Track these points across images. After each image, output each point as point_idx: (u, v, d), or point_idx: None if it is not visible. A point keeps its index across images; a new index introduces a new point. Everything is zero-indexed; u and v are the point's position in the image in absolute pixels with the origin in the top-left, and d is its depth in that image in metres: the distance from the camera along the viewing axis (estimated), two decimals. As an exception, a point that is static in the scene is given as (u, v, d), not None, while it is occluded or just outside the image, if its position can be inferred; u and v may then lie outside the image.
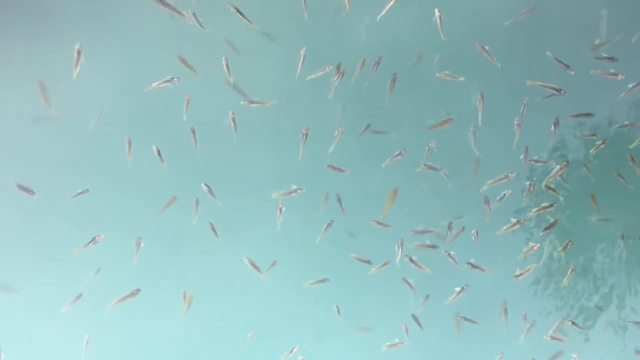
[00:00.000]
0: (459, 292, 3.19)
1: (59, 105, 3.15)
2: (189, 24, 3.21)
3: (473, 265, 3.20)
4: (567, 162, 3.28)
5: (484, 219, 3.26)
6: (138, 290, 3.06)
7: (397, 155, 3.25)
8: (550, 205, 3.28)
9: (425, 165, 3.24)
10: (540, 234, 3.28)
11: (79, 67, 3.08)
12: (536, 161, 3.28)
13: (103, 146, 3.16)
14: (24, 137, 3.13)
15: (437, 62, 3.29)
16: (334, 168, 3.24)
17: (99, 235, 3.05)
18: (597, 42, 3.33)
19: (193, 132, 3.18)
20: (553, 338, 3.20)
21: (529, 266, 3.23)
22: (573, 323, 3.23)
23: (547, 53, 3.28)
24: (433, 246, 3.24)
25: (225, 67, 3.20)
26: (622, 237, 3.30)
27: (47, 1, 3.22)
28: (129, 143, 3.11)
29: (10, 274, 3.07)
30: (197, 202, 3.16)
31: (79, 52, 3.07)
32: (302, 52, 3.23)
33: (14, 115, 3.13)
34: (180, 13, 3.18)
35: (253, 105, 3.22)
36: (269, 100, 3.24)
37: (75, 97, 3.16)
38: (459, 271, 3.24)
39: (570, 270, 3.25)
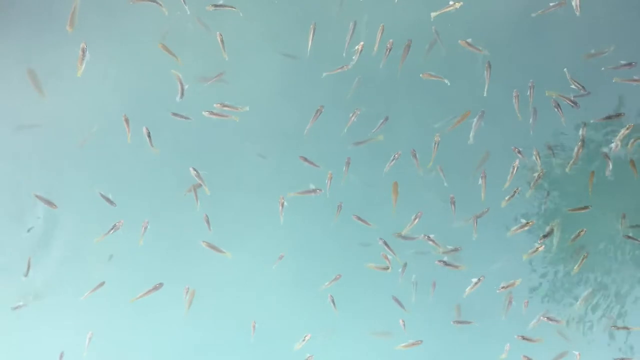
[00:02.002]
0: (476, 283, 3.19)
1: (59, 105, 3.16)
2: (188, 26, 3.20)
3: (446, 263, 3.19)
4: (582, 142, 3.24)
5: (488, 218, 3.25)
6: (161, 284, 3.11)
7: (393, 160, 3.22)
8: (585, 207, 3.25)
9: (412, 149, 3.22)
10: (539, 241, 3.25)
11: (83, 66, 3.09)
12: (519, 152, 3.23)
13: (103, 146, 3.17)
14: (24, 137, 3.15)
15: (434, 32, 3.21)
16: (305, 160, 3.21)
17: (119, 222, 3.11)
18: (592, 51, 3.26)
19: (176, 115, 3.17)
20: (524, 338, 3.20)
21: (514, 280, 3.21)
22: (549, 319, 3.22)
23: (564, 70, 3.22)
24: (455, 249, 3.24)
25: (220, 43, 3.16)
26: (623, 217, 3.28)
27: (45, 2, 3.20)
28: (127, 120, 3.11)
29: (13, 272, 3.13)
30: (194, 189, 3.17)
31: (83, 51, 3.08)
32: (312, 26, 3.18)
33: (14, 116, 3.15)
34: (157, 3, 3.15)
35: (226, 108, 3.19)
36: (242, 106, 3.21)
37: (75, 98, 3.17)
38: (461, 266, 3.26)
39: (582, 258, 3.24)
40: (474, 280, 3.19)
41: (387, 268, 3.21)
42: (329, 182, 3.22)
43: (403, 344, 3.17)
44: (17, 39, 3.17)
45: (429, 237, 3.20)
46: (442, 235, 3.23)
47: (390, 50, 3.20)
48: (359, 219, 3.21)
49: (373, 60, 3.23)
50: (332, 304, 3.20)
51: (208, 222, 3.17)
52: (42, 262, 3.13)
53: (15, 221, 3.13)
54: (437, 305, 3.23)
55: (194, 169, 3.15)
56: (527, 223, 3.23)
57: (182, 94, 3.17)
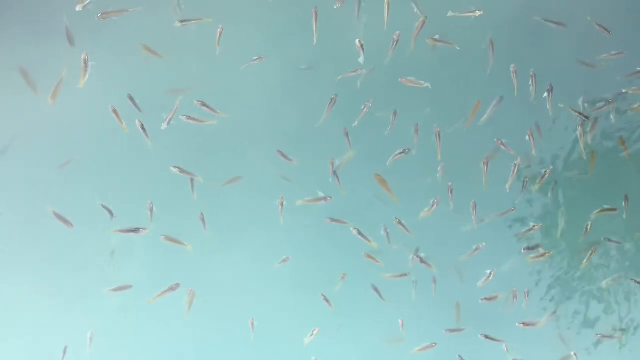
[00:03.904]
0: (489, 275, 3.19)
1: (57, 108, 3.15)
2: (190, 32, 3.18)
3: (422, 260, 3.20)
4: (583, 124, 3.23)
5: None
6: (177, 285, 3.14)
7: (400, 153, 3.21)
8: (613, 209, 3.26)
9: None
10: (522, 251, 3.25)
11: (87, 76, 3.09)
12: (504, 144, 3.22)
13: (102, 146, 3.18)
14: (22, 140, 3.15)
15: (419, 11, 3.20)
16: (282, 155, 3.20)
17: (143, 229, 3.13)
18: (586, 60, 3.25)
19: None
20: (487, 337, 3.19)
21: (495, 294, 3.21)
22: (524, 324, 3.21)
23: (560, 105, 3.21)
24: (478, 248, 3.23)
25: (218, 35, 3.16)
26: (626, 200, 3.27)
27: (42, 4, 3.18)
28: (115, 111, 3.10)
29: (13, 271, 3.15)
30: (192, 181, 3.18)
31: (85, 62, 3.07)
32: (314, 10, 3.15)
33: (12, 119, 3.15)
34: (123, 11, 3.12)
35: (204, 108, 3.17)
36: (221, 112, 3.19)
37: (75, 101, 3.16)
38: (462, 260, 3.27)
39: (590, 252, 3.25)
40: (488, 272, 3.20)
41: (406, 274, 3.22)
42: (331, 167, 3.21)
43: (417, 348, 3.19)
44: (14, 42, 3.16)
45: (400, 221, 3.20)
46: (447, 237, 3.26)
47: (397, 42, 3.17)
48: (333, 220, 3.20)
49: (377, 55, 3.21)
50: (326, 303, 3.19)
51: (204, 220, 3.17)
52: (47, 261, 3.16)
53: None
54: (438, 304, 3.24)
55: (176, 167, 3.14)
56: (534, 226, 3.24)
57: (169, 122, 3.14)
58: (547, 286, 3.30)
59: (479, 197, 3.23)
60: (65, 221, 3.13)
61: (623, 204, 3.28)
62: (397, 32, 3.17)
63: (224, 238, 3.21)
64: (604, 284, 3.28)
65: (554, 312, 3.27)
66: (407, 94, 3.23)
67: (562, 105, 3.22)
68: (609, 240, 3.28)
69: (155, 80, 3.17)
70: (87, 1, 3.09)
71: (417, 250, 3.24)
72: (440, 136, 3.20)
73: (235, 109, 3.22)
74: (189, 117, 3.15)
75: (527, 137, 3.23)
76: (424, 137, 3.23)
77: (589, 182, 3.30)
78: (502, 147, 3.22)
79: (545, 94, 3.21)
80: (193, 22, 3.17)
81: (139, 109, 3.12)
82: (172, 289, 3.14)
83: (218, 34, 3.15)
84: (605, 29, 3.23)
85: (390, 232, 3.22)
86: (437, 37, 3.18)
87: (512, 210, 3.25)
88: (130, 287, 3.14)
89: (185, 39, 3.19)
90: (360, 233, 3.19)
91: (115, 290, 3.14)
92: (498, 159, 3.24)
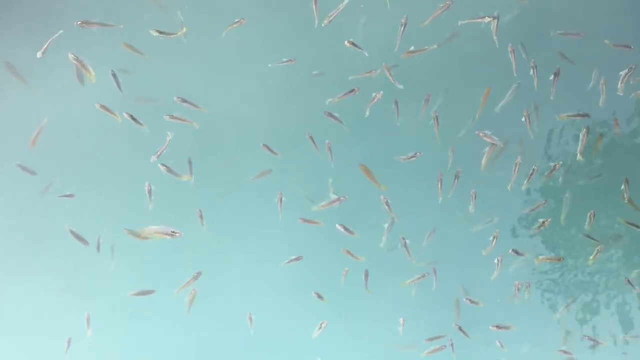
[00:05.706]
0: (498, 265, 3.17)
1: (57, 108, 3.15)
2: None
3: (405, 245, 3.19)
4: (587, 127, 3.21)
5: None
6: (199, 273, 3.14)
7: (412, 156, 3.19)
8: (637, 225, 3.24)
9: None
10: (510, 252, 3.23)
11: (91, 70, 3.04)
12: (485, 135, 3.19)
13: (101, 146, 3.19)
14: (21, 140, 3.15)
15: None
16: (267, 148, 3.19)
17: (179, 232, 3.09)
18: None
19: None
20: (460, 330, 3.18)
21: (478, 300, 3.21)
22: (498, 327, 3.19)
23: (557, 117, 3.19)
24: (495, 237, 3.21)
25: (231, 26, 3.14)
26: (626, 182, 3.26)
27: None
28: (104, 107, 3.08)
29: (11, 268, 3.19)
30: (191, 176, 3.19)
31: (80, 61, 3.02)
32: None
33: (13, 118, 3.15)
34: (109, 25, 3.09)
35: (185, 104, 3.15)
36: (203, 107, 3.18)
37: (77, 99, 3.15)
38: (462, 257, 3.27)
39: (596, 250, 3.24)
40: (496, 261, 3.18)
41: (424, 276, 3.21)
42: (330, 154, 3.22)
43: (427, 350, 3.18)
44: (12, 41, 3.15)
45: (387, 201, 3.20)
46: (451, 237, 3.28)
47: (405, 25, 3.13)
48: (306, 220, 3.20)
49: (378, 54, 3.21)
50: (320, 299, 3.19)
51: (202, 217, 3.18)
52: (48, 259, 3.19)
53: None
54: (438, 301, 3.26)
55: (163, 165, 3.13)
56: (543, 222, 3.23)
57: (159, 155, 3.11)
58: (548, 286, 3.33)
59: (484, 197, 3.26)
60: (81, 239, 3.14)
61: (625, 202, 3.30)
62: (405, 16, 3.12)
63: (223, 237, 3.24)
64: (634, 274, 3.29)
65: (568, 305, 3.29)
66: (410, 93, 3.22)
67: (559, 118, 3.23)
68: (588, 237, 3.26)
69: (155, 81, 3.19)
70: (45, 45, 3.02)
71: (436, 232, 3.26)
72: (438, 120, 3.19)
73: (237, 108, 3.24)
74: (172, 117, 3.13)
75: (522, 119, 3.22)
76: (427, 137, 3.24)
77: (596, 179, 3.31)
78: (486, 138, 3.19)
79: (552, 77, 3.19)
80: (171, 35, 3.12)
81: (120, 89, 3.08)
82: (194, 277, 3.15)
83: (235, 24, 3.13)
84: (627, 46, 3.20)
85: (393, 233, 3.23)
86: (412, 48, 3.16)
87: (544, 202, 3.25)
88: (153, 292, 3.17)
89: (188, 39, 3.18)
90: (345, 228, 3.18)
91: (137, 294, 3.16)
92: (503, 159, 3.25)
